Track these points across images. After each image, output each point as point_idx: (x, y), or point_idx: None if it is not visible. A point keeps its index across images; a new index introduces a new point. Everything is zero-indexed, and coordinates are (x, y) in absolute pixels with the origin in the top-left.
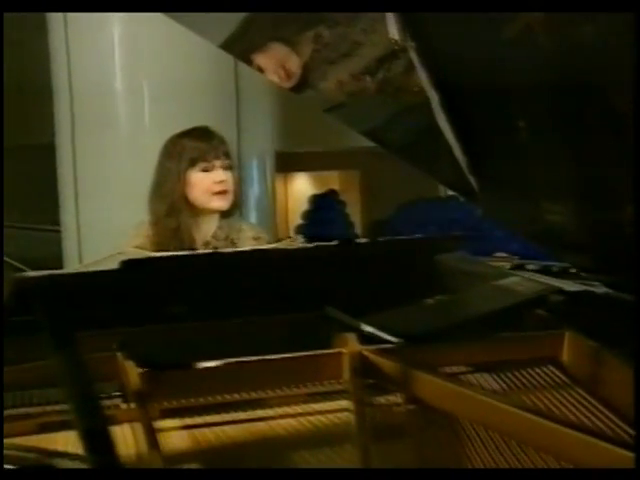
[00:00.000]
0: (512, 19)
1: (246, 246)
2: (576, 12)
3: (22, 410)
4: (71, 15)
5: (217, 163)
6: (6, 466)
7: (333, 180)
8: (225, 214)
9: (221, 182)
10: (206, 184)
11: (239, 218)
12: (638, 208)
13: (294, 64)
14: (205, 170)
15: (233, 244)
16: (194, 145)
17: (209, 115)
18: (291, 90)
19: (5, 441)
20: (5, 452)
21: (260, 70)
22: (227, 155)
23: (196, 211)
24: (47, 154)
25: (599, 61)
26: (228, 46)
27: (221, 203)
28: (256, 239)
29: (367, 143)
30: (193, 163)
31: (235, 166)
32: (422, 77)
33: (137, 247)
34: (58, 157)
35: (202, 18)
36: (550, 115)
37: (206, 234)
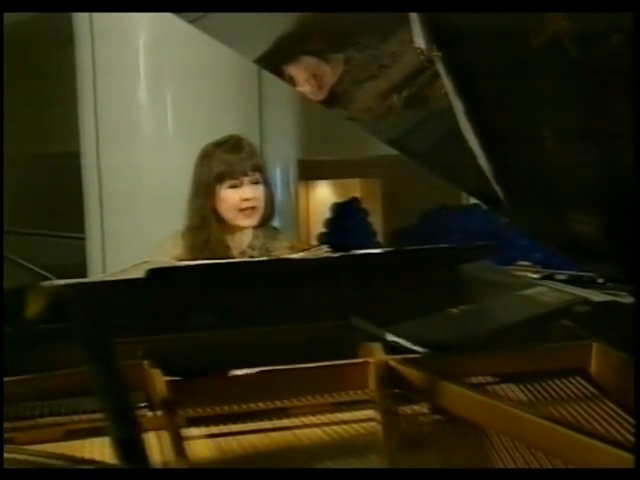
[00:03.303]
0: (539, 28)
1: (281, 254)
2: (596, 17)
3: (50, 418)
4: (97, 27)
5: (245, 179)
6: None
7: (354, 188)
8: (258, 225)
9: (248, 199)
10: (234, 201)
11: (273, 227)
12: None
13: (325, 74)
14: (233, 186)
15: (269, 252)
16: (223, 158)
17: (232, 124)
18: (321, 103)
19: (32, 448)
20: (32, 458)
21: (292, 81)
22: (257, 168)
23: (226, 224)
24: (72, 162)
25: (627, 69)
26: (263, 61)
27: (248, 221)
28: (291, 248)
29: (388, 151)
30: (221, 179)
31: (267, 179)
32: (447, 86)
33: (175, 257)
34: (83, 165)
35: (238, 34)
36: (577, 124)
37: (242, 243)
